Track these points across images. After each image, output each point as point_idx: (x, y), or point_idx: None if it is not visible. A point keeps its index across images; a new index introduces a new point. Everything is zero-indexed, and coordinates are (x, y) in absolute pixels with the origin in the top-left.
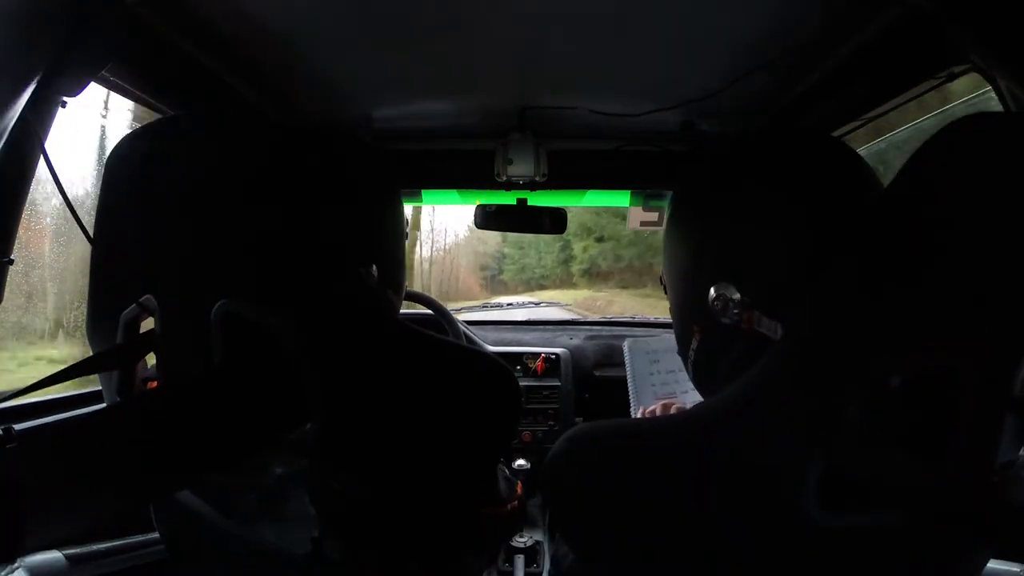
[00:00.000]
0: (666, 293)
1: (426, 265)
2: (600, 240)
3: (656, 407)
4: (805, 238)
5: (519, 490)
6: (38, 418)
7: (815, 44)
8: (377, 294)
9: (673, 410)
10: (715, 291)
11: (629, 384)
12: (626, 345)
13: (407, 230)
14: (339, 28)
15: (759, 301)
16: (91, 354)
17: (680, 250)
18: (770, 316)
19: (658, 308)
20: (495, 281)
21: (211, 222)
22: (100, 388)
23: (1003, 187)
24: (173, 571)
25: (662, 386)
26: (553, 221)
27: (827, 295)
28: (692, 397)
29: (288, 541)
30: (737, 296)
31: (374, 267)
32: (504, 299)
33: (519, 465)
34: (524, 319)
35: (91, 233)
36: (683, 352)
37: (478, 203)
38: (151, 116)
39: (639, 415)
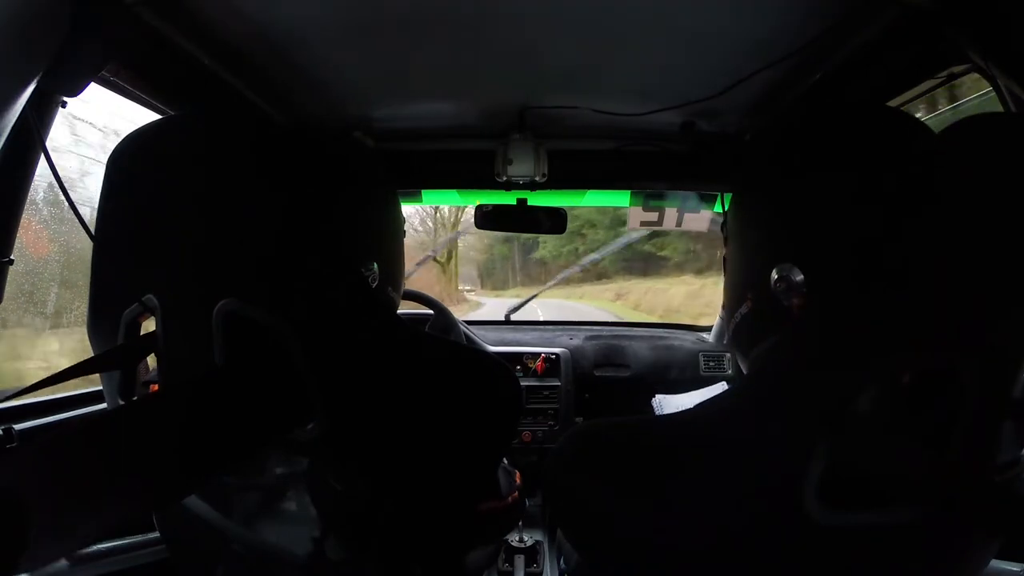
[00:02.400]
0: (724, 271)
1: None
2: None
3: None
4: (868, 223)
5: (518, 479)
6: (38, 418)
7: (815, 44)
8: (378, 292)
9: None
10: (777, 272)
11: None
12: (657, 401)
13: (404, 228)
14: (339, 28)
15: (820, 285)
16: (92, 352)
17: (746, 229)
18: None
19: None
20: (528, 262)
21: (211, 221)
22: (100, 388)
23: (1005, 187)
24: (173, 571)
25: None
26: (553, 221)
27: (832, 292)
28: None
29: (289, 541)
30: (800, 278)
31: (375, 265)
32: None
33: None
34: (524, 319)
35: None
36: (728, 315)
37: (478, 203)
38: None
39: None
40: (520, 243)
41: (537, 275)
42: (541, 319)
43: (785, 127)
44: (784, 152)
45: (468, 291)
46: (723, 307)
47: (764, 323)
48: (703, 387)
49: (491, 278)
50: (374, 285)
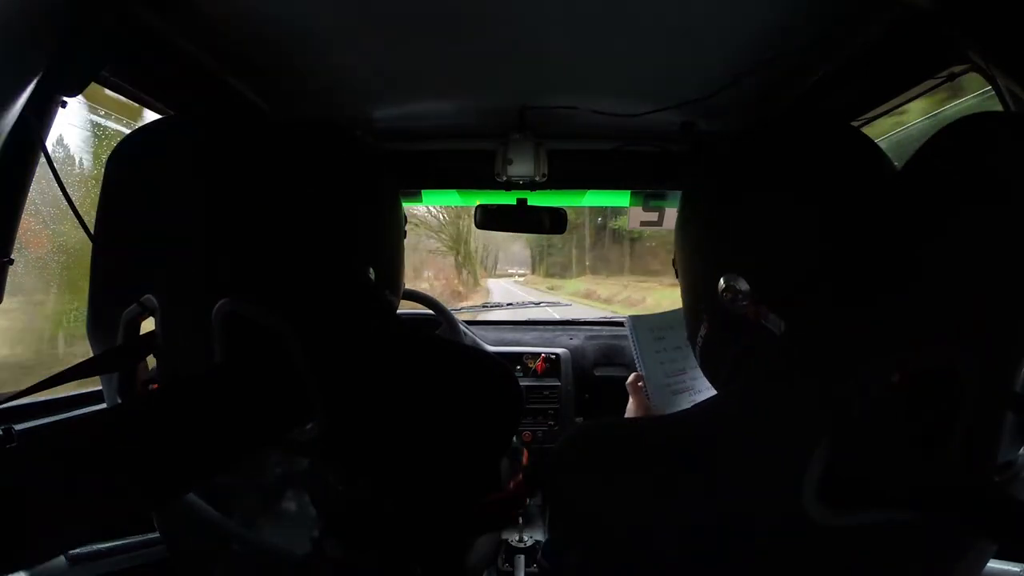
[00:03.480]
0: (677, 277)
1: None
2: None
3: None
4: (815, 232)
5: (525, 459)
6: (38, 418)
7: (815, 44)
8: (375, 294)
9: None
10: (724, 281)
11: (636, 360)
12: (629, 321)
13: (405, 228)
14: (339, 28)
15: (766, 294)
16: (91, 353)
17: (691, 239)
18: (776, 311)
19: None
20: (602, 239)
21: (210, 221)
22: (100, 388)
23: (1004, 187)
24: (173, 571)
25: (671, 363)
26: (553, 221)
27: (830, 291)
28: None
29: (288, 541)
30: (746, 288)
31: (371, 269)
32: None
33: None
34: (524, 319)
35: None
36: (692, 339)
37: (478, 203)
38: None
39: (649, 391)
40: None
41: (617, 259)
42: (542, 319)
43: (732, 139)
44: (739, 160)
45: (519, 276)
46: (687, 336)
47: (725, 339)
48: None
49: (545, 261)
50: None
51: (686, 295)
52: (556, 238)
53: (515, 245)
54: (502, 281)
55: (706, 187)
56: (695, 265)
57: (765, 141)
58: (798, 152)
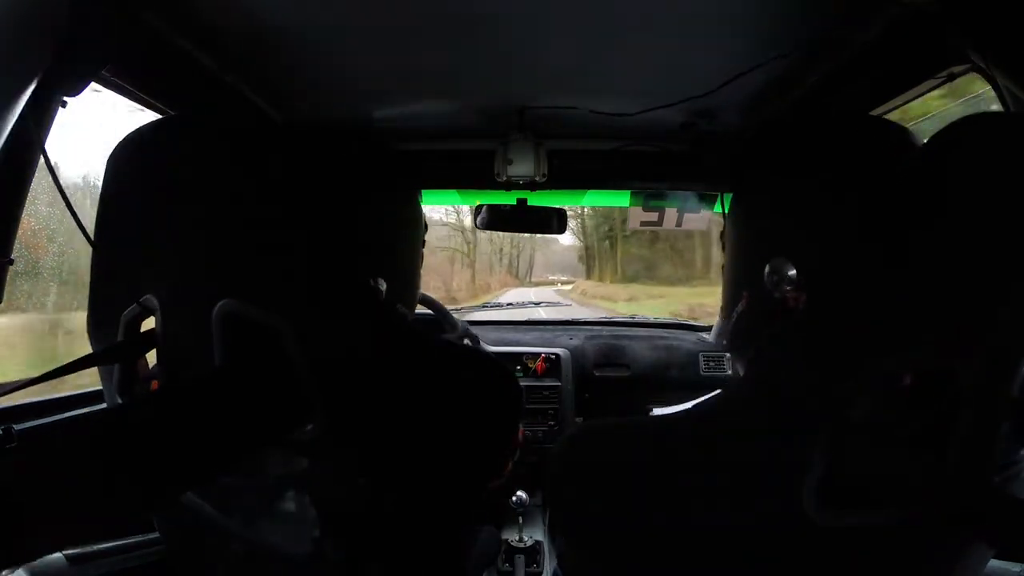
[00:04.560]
0: (723, 251)
1: None
2: None
3: None
4: (855, 223)
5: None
6: (38, 418)
7: (815, 44)
8: (377, 298)
9: None
10: (771, 265)
11: None
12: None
13: (424, 236)
14: (339, 28)
15: (812, 278)
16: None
17: (742, 230)
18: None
19: None
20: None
21: (211, 222)
22: (100, 388)
23: (1004, 188)
24: (173, 571)
25: None
26: (553, 221)
27: (831, 292)
28: None
29: (288, 541)
30: (792, 272)
31: (382, 281)
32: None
33: (518, 497)
34: (524, 319)
35: (91, 234)
36: (727, 313)
37: (478, 203)
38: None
39: None
40: None
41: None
42: (543, 319)
43: (776, 130)
44: (774, 154)
45: (563, 283)
46: (721, 310)
47: (760, 318)
48: (697, 397)
49: (619, 252)
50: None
51: (730, 271)
52: (631, 240)
53: (555, 244)
54: (532, 291)
55: (754, 180)
56: (745, 245)
57: (811, 133)
58: (852, 143)
